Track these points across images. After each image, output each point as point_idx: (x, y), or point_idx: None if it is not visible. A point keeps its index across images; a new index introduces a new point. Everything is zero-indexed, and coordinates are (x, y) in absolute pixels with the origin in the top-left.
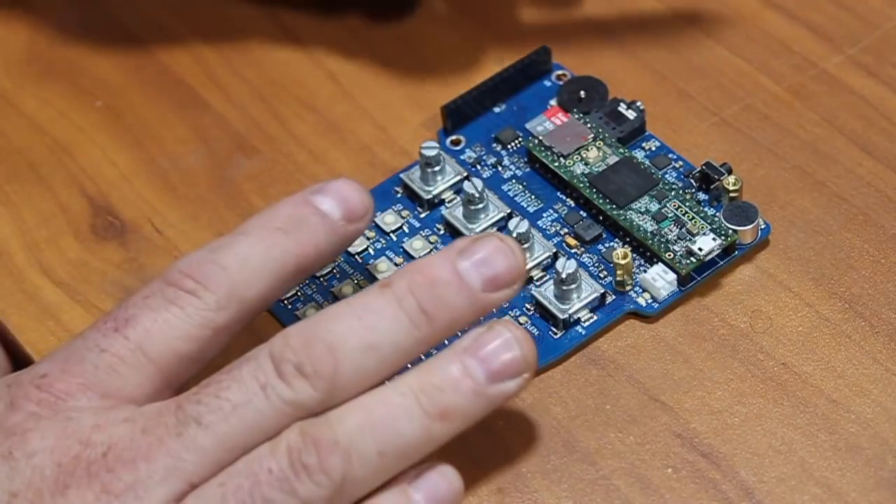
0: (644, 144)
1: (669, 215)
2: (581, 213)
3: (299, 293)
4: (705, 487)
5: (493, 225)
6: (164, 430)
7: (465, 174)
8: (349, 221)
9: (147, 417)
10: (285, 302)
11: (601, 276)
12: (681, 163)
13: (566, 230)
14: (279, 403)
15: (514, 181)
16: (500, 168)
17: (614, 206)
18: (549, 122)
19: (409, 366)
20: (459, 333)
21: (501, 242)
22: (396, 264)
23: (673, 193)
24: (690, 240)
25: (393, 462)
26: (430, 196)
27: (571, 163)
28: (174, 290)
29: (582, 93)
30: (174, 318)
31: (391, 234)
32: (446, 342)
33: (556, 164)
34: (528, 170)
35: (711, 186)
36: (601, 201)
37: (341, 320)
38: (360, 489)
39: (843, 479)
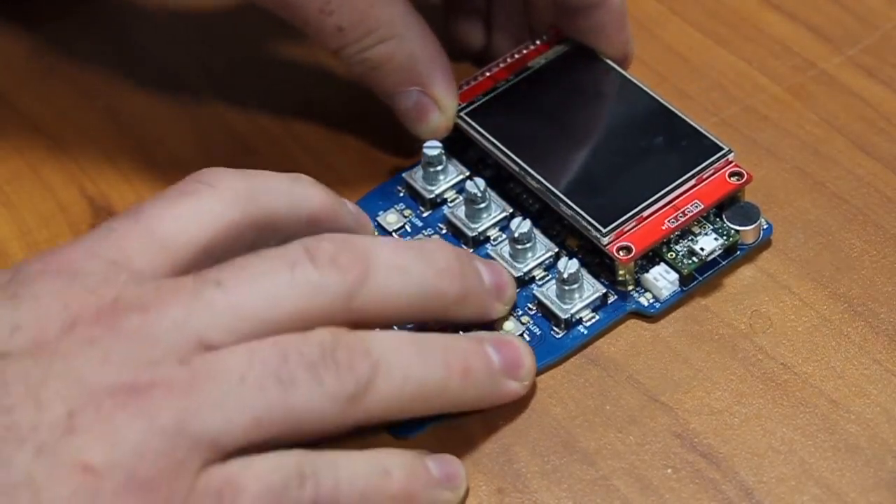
0: None
1: None
2: None
3: None
4: (705, 488)
5: (495, 224)
6: (181, 288)
7: (468, 174)
8: None
9: (161, 282)
10: None
11: (603, 275)
12: None
13: (567, 230)
14: (303, 284)
15: (515, 181)
16: (501, 167)
17: None
18: None
19: None
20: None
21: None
22: None
23: None
24: (692, 239)
25: (412, 391)
26: (432, 196)
27: None
28: (192, 184)
29: None
30: (186, 206)
31: (393, 234)
32: None
33: None
34: None
35: None
36: None
37: (377, 243)
38: (377, 404)
39: (842, 480)
